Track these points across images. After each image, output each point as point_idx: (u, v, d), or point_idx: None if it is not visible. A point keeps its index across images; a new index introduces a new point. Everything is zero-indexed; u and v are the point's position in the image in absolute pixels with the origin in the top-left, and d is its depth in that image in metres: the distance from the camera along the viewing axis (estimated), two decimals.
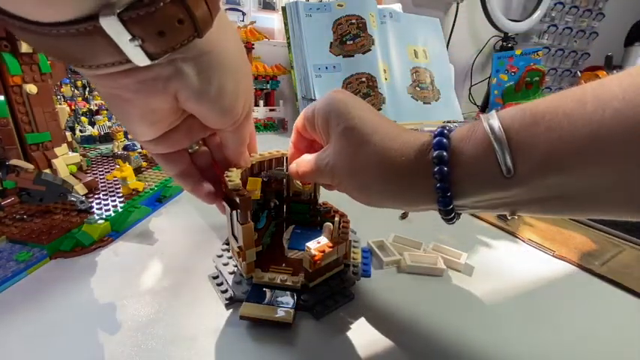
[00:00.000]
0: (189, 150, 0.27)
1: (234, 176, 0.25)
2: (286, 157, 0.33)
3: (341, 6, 0.88)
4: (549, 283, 0.32)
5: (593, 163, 0.14)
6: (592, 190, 0.15)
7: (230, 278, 0.29)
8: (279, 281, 0.27)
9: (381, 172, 0.20)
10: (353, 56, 0.87)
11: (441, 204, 0.18)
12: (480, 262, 0.34)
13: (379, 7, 0.94)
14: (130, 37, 0.15)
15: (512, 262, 0.35)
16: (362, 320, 0.26)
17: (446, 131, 0.18)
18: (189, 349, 0.23)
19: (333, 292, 0.28)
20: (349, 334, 0.25)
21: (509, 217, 0.19)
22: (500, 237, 0.40)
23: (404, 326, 0.26)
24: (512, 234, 0.41)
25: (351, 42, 0.87)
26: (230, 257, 0.31)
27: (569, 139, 0.15)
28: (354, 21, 0.88)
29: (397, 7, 1.01)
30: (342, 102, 0.22)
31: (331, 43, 0.88)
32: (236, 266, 0.30)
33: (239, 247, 0.27)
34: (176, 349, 0.23)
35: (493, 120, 0.17)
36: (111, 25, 0.14)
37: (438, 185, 0.18)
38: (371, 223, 0.39)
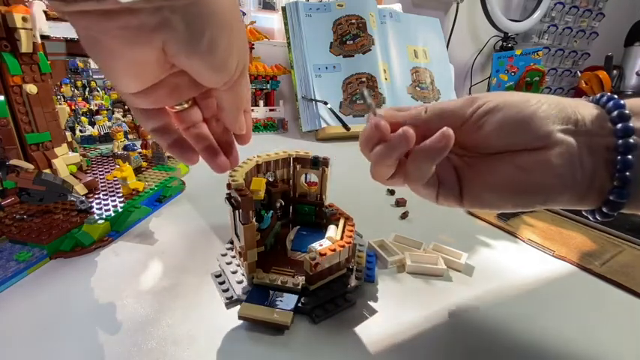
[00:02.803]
0: (178, 107, 0.24)
1: (237, 176, 0.25)
2: (293, 158, 0.33)
3: (341, 6, 0.88)
4: (549, 283, 0.32)
5: None
6: None
7: (232, 277, 0.29)
8: (279, 283, 0.27)
9: (559, 115, 0.19)
10: (353, 56, 0.87)
11: (620, 178, 0.18)
12: (480, 262, 0.34)
13: (379, 7, 0.94)
14: None
15: (512, 262, 0.35)
16: (362, 326, 0.26)
17: (622, 102, 0.19)
18: (188, 349, 0.23)
19: (334, 296, 0.27)
20: (348, 339, 0.25)
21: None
22: (500, 237, 0.40)
23: (405, 333, 0.26)
24: (512, 234, 0.41)
25: (351, 42, 0.87)
26: (233, 256, 0.31)
27: None
28: (354, 21, 0.88)
29: (397, 7, 1.01)
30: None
31: (331, 43, 0.88)
32: (239, 266, 0.30)
33: (241, 247, 0.27)
34: (176, 348, 0.23)
35: None
36: None
37: (620, 157, 0.18)
38: (371, 223, 0.39)
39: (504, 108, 0.20)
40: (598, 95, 0.20)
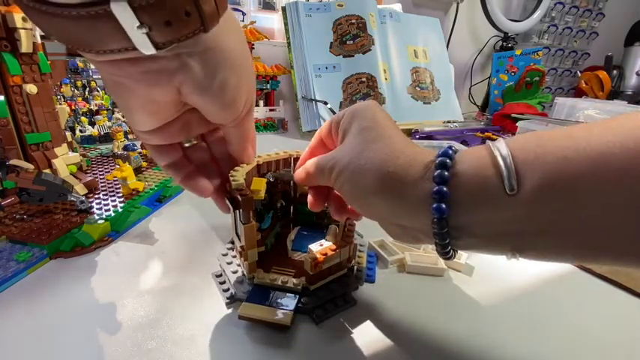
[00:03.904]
0: (186, 144, 0.27)
1: (238, 176, 0.25)
2: (293, 158, 0.33)
3: (341, 6, 0.88)
4: (549, 283, 0.32)
5: (598, 190, 0.14)
6: (594, 222, 0.14)
7: (233, 277, 0.29)
8: (280, 283, 0.27)
9: (384, 174, 0.19)
10: (353, 56, 0.87)
11: (437, 212, 0.17)
12: (480, 262, 0.34)
13: (379, 7, 0.94)
14: (138, 24, 0.15)
15: (513, 261, 0.35)
16: (362, 326, 0.26)
17: (453, 147, 0.18)
18: (188, 348, 0.23)
19: (334, 296, 0.27)
20: (348, 340, 0.25)
21: (508, 259, 0.18)
22: None
23: (405, 333, 0.26)
24: None
25: (351, 42, 0.87)
26: (234, 256, 0.31)
27: (574, 160, 0.14)
28: (354, 21, 0.88)
29: (397, 7, 1.01)
30: (369, 108, 0.22)
31: (331, 43, 0.88)
32: (239, 265, 0.30)
33: (241, 247, 0.27)
34: (176, 348, 0.23)
35: (499, 142, 0.17)
36: (121, 11, 0.15)
37: (436, 189, 0.17)
38: (371, 223, 0.39)
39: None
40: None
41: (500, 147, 0.16)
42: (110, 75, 0.19)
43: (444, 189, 0.17)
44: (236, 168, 0.27)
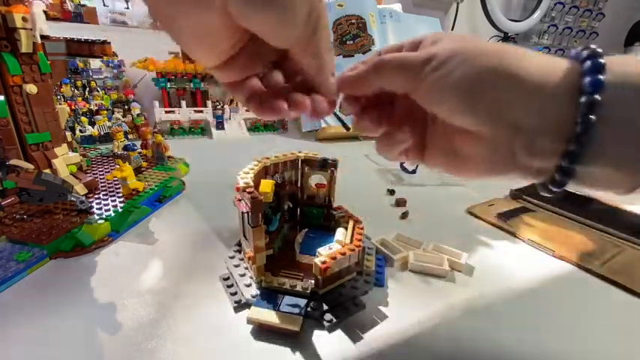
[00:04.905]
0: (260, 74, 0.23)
1: (246, 177, 0.25)
2: (301, 160, 0.33)
3: (341, 6, 0.88)
4: (549, 283, 0.32)
5: None
6: None
7: (240, 280, 0.28)
8: (288, 287, 0.27)
9: (514, 55, 0.16)
10: (353, 56, 0.87)
11: (582, 126, 0.14)
12: (481, 262, 0.34)
13: (379, 7, 0.94)
14: None
15: (513, 262, 0.35)
16: (372, 331, 0.25)
17: (599, 50, 0.16)
18: (189, 349, 0.23)
19: (343, 300, 0.27)
20: (358, 345, 0.24)
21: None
22: (500, 237, 0.40)
23: (415, 337, 0.26)
24: (512, 234, 0.41)
25: (351, 42, 0.87)
26: (241, 259, 0.31)
27: None
28: (354, 21, 0.88)
29: (397, 7, 1.01)
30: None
31: (331, 43, 0.88)
32: (247, 269, 0.30)
33: (250, 250, 0.27)
34: (176, 348, 0.23)
35: None
36: None
37: (584, 99, 0.14)
38: (372, 223, 0.39)
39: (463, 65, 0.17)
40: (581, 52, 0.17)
41: None
42: (152, 2, 0.16)
43: (600, 77, 0.14)
44: (245, 170, 0.27)
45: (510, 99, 0.16)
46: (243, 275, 0.29)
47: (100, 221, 0.35)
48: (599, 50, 0.15)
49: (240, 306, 0.27)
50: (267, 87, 0.22)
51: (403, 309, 0.28)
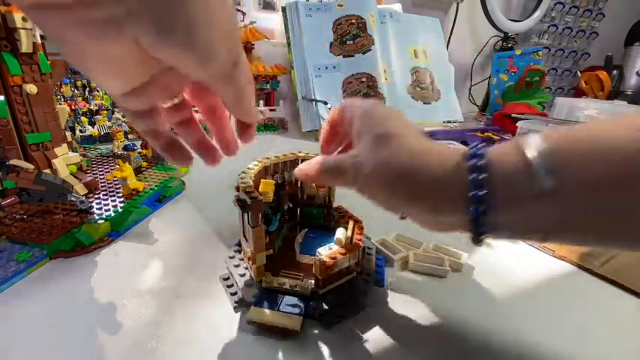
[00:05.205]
0: (168, 103, 0.23)
1: (247, 178, 0.25)
2: (301, 159, 0.33)
3: (341, 6, 0.88)
4: (549, 283, 0.32)
5: (631, 185, 0.14)
6: (627, 217, 0.15)
7: (241, 280, 0.28)
8: (288, 287, 0.27)
9: (414, 178, 0.19)
10: (353, 56, 0.87)
11: (473, 213, 0.17)
12: (481, 262, 0.34)
13: (379, 7, 0.94)
14: None
15: (513, 262, 0.35)
16: (372, 331, 0.25)
17: (481, 145, 0.19)
18: (189, 348, 0.23)
19: (344, 300, 0.27)
20: (358, 345, 0.24)
21: (539, 246, 0.19)
22: None
23: (415, 337, 0.26)
24: None
25: (351, 42, 0.87)
26: (241, 259, 0.31)
27: (611, 157, 0.15)
28: (354, 21, 0.87)
29: (397, 7, 1.01)
30: (384, 109, 0.22)
31: (331, 43, 0.88)
32: (247, 269, 0.30)
33: (250, 250, 0.27)
34: (176, 348, 0.23)
35: (533, 137, 0.17)
36: None
37: (472, 194, 0.17)
38: (371, 223, 0.39)
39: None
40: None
41: (535, 145, 0.16)
42: (50, 29, 0.15)
43: (479, 193, 0.17)
44: (244, 170, 0.26)
45: (419, 193, 0.19)
46: (243, 275, 0.29)
47: (100, 221, 0.35)
48: (481, 152, 0.18)
49: (241, 306, 0.27)
50: (174, 119, 0.23)
51: (403, 309, 0.28)
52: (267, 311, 0.25)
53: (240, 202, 0.26)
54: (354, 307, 0.27)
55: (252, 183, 0.25)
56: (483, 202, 0.17)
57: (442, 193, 0.19)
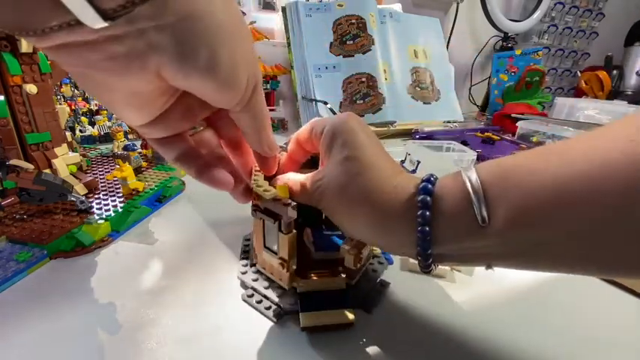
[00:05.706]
0: (191, 132, 0.23)
1: (261, 182, 0.25)
2: None
3: (341, 6, 0.88)
4: (549, 283, 0.32)
5: (557, 219, 0.16)
6: (558, 246, 0.16)
7: (269, 293, 0.27)
8: (325, 286, 0.27)
9: (370, 209, 0.21)
10: (353, 56, 0.87)
11: (421, 247, 0.19)
12: None
13: (379, 7, 0.94)
14: None
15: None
16: (372, 331, 0.25)
17: (432, 178, 0.20)
18: (189, 348, 0.23)
19: (373, 283, 0.29)
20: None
21: (486, 269, 0.20)
22: None
23: (413, 337, 0.26)
24: None
25: (351, 42, 0.87)
26: (256, 272, 0.30)
27: (534, 195, 0.16)
28: (354, 21, 0.88)
29: (397, 7, 1.01)
30: (351, 129, 0.23)
31: (331, 43, 0.88)
32: (268, 280, 0.29)
33: (281, 259, 0.26)
34: (176, 349, 0.23)
35: (471, 173, 0.18)
36: None
37: (420, 229, 0.19)
38: None
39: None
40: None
41: (472, 179, 0.18)
42: (72, 67, 0.15)
43: (427, 229, 0.19)
44: (256, 173, 0.26)
45: (376, 237, 0.22)
46: (267, 287, 0.28)
47: (100, 221, 0.35)
48: (429, 187, 0.19)
49: (281, 317, 0.26)
50: (199, 144, 0.24)
51: (403, 309, 0.28)
52: (316, 313, 0.25)
53: (268, 212, 0.25)
54: (382, 286, 0.29)
55: (275, 190, 0.24)
56: (428, 237, 0.19)
57: (398, 228, 0.20)
